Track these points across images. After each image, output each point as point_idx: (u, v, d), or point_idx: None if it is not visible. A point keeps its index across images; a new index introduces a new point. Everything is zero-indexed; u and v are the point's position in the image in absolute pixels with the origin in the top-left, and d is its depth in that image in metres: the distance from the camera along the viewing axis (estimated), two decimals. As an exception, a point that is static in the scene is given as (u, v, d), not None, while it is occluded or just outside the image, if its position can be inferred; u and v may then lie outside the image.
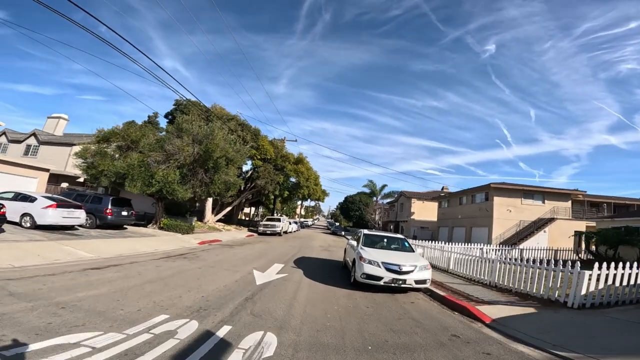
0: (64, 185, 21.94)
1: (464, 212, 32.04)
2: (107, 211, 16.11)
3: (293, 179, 31.94)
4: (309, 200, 39.81)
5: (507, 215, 27.53)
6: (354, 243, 10.39)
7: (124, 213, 17.08)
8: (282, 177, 28.68)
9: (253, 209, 54.67)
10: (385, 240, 10.55)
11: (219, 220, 31.89)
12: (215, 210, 30.59)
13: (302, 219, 74.20)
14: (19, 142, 29.49)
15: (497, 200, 27.76)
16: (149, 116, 29.32)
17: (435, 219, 40.63)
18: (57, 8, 9.06)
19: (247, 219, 47.60)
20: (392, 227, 51.64)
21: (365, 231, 11.08)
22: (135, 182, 17.05)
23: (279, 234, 28.52)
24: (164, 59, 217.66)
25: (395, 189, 53.61)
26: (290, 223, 38.32)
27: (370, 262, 8.29)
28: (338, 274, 10.91)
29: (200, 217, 28.62)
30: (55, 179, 24.21)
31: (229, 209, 30.33)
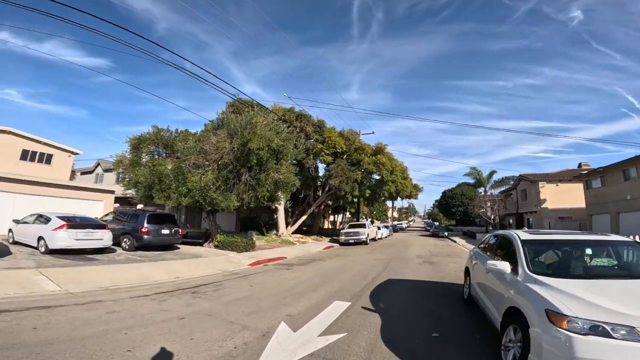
0: (116, 205, 20.94)
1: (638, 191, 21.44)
2: (143, 230, 13.37)
3: (375, 176, 26.31)
4: (398, 199, 33.32)
5: None
6: (495, 263, 4.24)
7: (165, 231, 14.16)
8: (360, 173, 23.32)
9: (339, 216, 50.43)
10: (584, 251, 4.24)
11: (296, 232, 28.18)
12: (292, 220, 26.92)
13: (395, 222, 66.89)
14: (108, 171, 31.34)
15: None
16: (204, 125, 27.65)
17: (581, 205, 29.48)
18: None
19: (331, 227, 43.39)
20: (510, 221, 40.86)
21: (523, 234, 4.64)
22: (165, 192, 14.01)
23: (364, 243, 23.11)
24: (243, 85, 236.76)
25: (509, 174, 42.70)
26: (379, 228, 32.51)
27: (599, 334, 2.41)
28: (462, 324, 5.10)
29: (277, 229, 25.28)
30: (122, 201, 23.80)
31: (303, 218, 26.32)
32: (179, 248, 15.25)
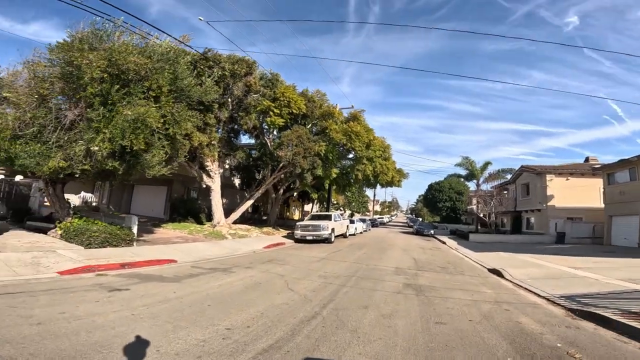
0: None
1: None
2: None
3: (350, 155, 20.09)
4: (378, 186, 27.22)
5: None
6: None
7: None
8: (324, 144, 16.97)
9: (315, 206, 44.19)
10: None
11: (244, 222, 21.81)
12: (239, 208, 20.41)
13: (376, 217, 61.34)
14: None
15: None
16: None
17: (593, 204, 24.34)
18: None
19: (299, 218, 37.11)
20: (504, 220, 35.75)
21: None
22: None
23: (326, 240, 16.98)
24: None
25: (505, 166, 37.40)
26: (353, 222, 26.50)
27: None
28: None
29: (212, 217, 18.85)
30: None
31: (248, 203, 19.90)
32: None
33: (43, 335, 3.47)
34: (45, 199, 12.72)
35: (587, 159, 33.26)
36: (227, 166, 22.67)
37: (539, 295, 7.15)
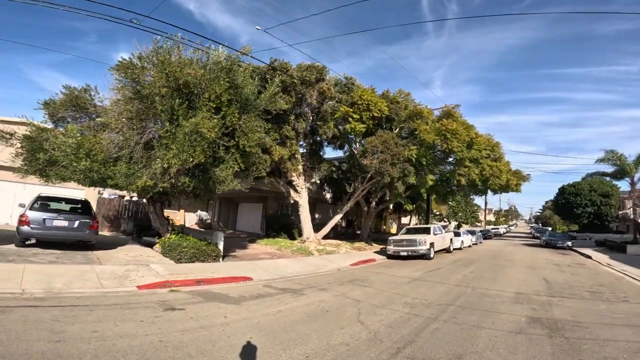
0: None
1: None
2: (22, 219, 8.60)
3: (450, 159, 17.43)
4: (488, 192, 23.04)
5: None
6: None
7: (60, 222, 9.03)
8: (415, 148, 14.93)
9: (414, 219, 40.95)
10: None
11: (335, 237, 21.08)
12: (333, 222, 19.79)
13: (489, 227, 53.25)
14: None
15: None
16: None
17: None
18: None
19: (396, 232, 34.53)
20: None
21: None
22: (66, 168, 8.63)
23: (424, 257, 14.76)
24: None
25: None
26: (459, 234, 23.02)
27: None
28: None
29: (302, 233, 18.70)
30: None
31: (337, 217, 19.00)
32: (94, 246, 10.25)
33: (47, 354, 3.09)
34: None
35: None
36: (315, 180, 22.55)
37: None
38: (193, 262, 9.85)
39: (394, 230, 37.12)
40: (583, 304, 6.58)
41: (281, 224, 21.49)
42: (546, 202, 74.66)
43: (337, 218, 18.91)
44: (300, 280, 9.48)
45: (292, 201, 17.57)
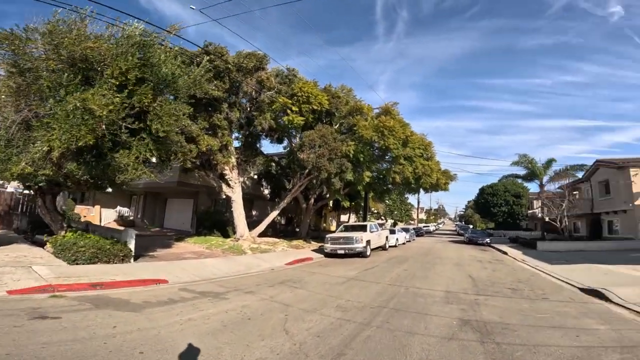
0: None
1: None
2: None
3: (388, 157, 17.58)
4: (421, 190, 24.09)
5: None
6: None
7: None
8: (353, 144, 14.73)
9: (353, 216, 41.63)
10: None
11: (273, 235, 20.20)
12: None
13: (421, 225, 56.85)
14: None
15: None
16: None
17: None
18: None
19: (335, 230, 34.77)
20: (580, 225, 30.41)
21: None
22: None
23: (360, 255, 14.64)
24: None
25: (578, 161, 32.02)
26: (394, 231, 23.71)
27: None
28: None
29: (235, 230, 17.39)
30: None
31: (274, 214, 18.11)
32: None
33: None
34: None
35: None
36: (252, 175, 21.34)
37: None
38: (94, 263, 8.24)
39: (333, 227, 37.31)
40: (507, 302, 6.67)
41: (214, 221, 19.88)
42: (469, 202, 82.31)
43: (274, 215, 18.00)
44: (226, 282, 8.48)
45: (224, 196, 16.21)
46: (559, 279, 9.54)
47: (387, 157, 17.98)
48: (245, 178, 20.21)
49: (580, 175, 29.25)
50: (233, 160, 15.05)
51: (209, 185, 17.11)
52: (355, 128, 15.03)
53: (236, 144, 16.85)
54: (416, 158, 16.89)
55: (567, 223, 26.67)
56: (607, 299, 6.67)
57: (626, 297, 6.47)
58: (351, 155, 14.84)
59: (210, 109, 12.52)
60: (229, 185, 15.46)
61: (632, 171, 21.90)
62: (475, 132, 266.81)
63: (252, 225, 18.97)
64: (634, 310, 5.65)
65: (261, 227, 17.45)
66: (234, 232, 17.87)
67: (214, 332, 4.42)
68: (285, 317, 5.41)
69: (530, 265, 13.13)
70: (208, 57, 9.28)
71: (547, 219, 28.59)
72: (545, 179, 29.96)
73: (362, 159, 15.29)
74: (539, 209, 31.44)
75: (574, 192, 30.45)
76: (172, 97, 8.06)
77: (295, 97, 14.13)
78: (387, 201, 43.58)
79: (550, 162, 29.58)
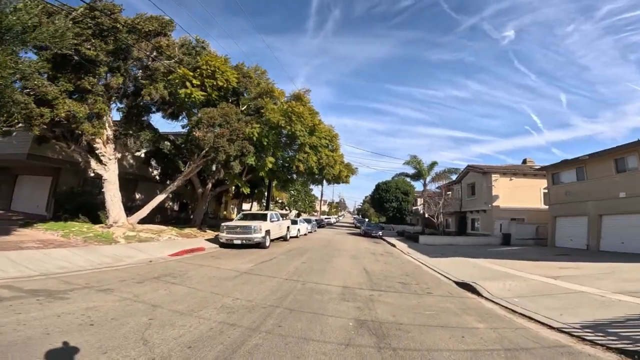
0: None
1: (635, 187, 15.85)
2: None
3: (295, 147, 16.87)
4: (324, 182, 24.41)
5: None
6: None
7: None
8: (258, 126, 13.61)
9: (256, 206, 40.15)
10: None
11: (161, 222, 17.61)
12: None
13: (323, 217, 58.97)
14: None
15: None
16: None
17: (538, 205, 24.42)
18: None
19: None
20: (451, 221, 35.56)
21: None
22: None
23: (259, 245, 13.73)
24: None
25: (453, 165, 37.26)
26: (296, 222, 23.46)
27: None
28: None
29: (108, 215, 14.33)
30: None
31: (160, 198, 15.69)
32: None
33: None
34: None
35: (524, 161, 34.27)
36: (140, 153, 18.19)
37: (552, 328, 4.83)
38: None
39: (234, 216, 35.34)
40: (398, 298, 6.70)
41: (78, 203, 16.14)
42: (366, 197, 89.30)
43: (160, 198, 15.53)
44: (76, 277, 6.59)
45: (91, 174, 13.16)
46: (438, 272, 10.42)
47: (294, 146, 17.38)
48: (128, 155, 17.06)
49: (454, 177, 34.10)
50: (109, 132, 12.24)
51: (74, 160, 13.70)
52: (262, 111, 13.89)
53: (119, 116, 13.87)
54: (322, 148, 16.73)
55: (442, 219, 30.78)
56: (478, 294, 7.33)
57: (493, 292, 7.21)
58: (255, 139, 13.68)
59: (82, 71, 9.75)
60: (100, 162, 12.57)
61: (494, 177, 26.39)
62: (377, 132, 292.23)
63: (134, 210, 16.10)
64: (503, 306, 6.22)
65: (143, 211, 14.88)
66: (107, 218, 14.85)
67: (27, 345, 2.99)
68: (149, 321, 4.21)
69: (414, 257, 14.32)
70: (91, 14, 6.95)
71: (427, 215, 32.57)
72: (428, 179, 33.87)
73: (266, 143, 14.26)
74: (422, 205, 35.46)
75: (448, 192, 35.48)
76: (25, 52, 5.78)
77: (199, 70, 12.18)
78: (291, 191, 43.53)
79: (433, 164, 33.56)
